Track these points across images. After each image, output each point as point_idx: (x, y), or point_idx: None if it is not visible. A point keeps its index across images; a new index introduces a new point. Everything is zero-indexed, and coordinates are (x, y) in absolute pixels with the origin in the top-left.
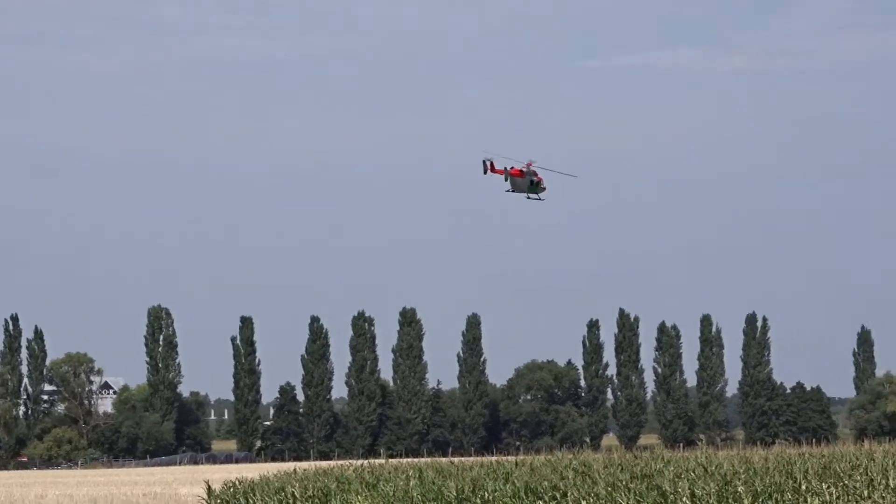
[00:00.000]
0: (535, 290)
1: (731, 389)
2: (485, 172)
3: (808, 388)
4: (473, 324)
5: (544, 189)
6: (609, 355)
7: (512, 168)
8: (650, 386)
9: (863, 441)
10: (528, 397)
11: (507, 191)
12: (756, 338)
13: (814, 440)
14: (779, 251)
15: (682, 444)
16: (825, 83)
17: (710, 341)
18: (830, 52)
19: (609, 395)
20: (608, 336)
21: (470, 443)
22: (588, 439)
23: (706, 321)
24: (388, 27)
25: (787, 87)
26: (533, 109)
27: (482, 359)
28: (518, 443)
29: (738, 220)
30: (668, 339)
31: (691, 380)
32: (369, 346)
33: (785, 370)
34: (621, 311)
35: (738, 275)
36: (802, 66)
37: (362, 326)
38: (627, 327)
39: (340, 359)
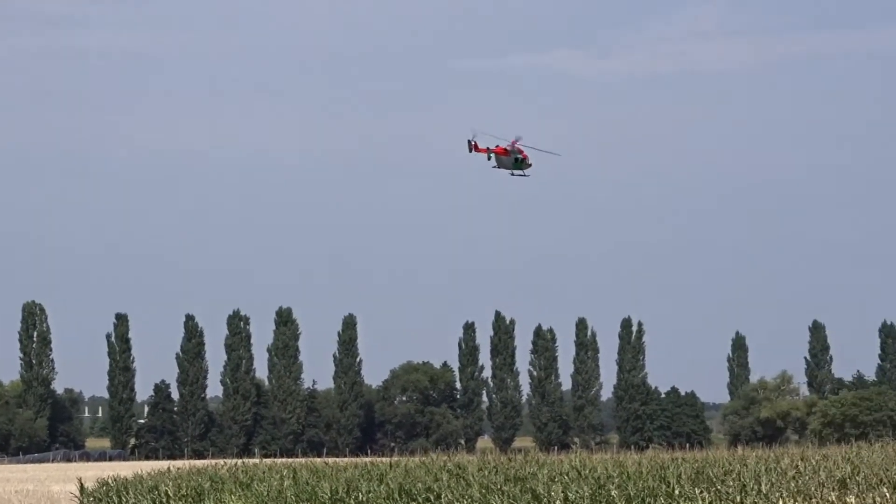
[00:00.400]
0: (412, 291)
1: (606, 393)
2: (470, 151)
3: (683, 393)
4: (349, 324)
5: (530, 165)
6: (485, 358)
7: (497, 146)
8: (525, 389)
9: (736, 446)
10: (404, 398)
11: (493, 167)
12: (631, 342)
13: (688, 445)
14: (653, 256)
15: (556, 448)
16: (703, 88)
17: (586, 345)
18: (708, 58)
19: (484, 397)
20: (484, 338)
21: (345, 443)
22: (463, 441)
23: (581, 325)
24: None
25: (665, 91)
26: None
27: (358, 359)
28: (393, 444)
29: (613, 224)
30: (543, 343)
31: (566, 383)
32: (244, 345)
33: (660, 375)
34: (497, 314)
35: (614, 279)
36: (680, 70)
37: (238, 325)
38: (503, 330)
39: (216, 357)
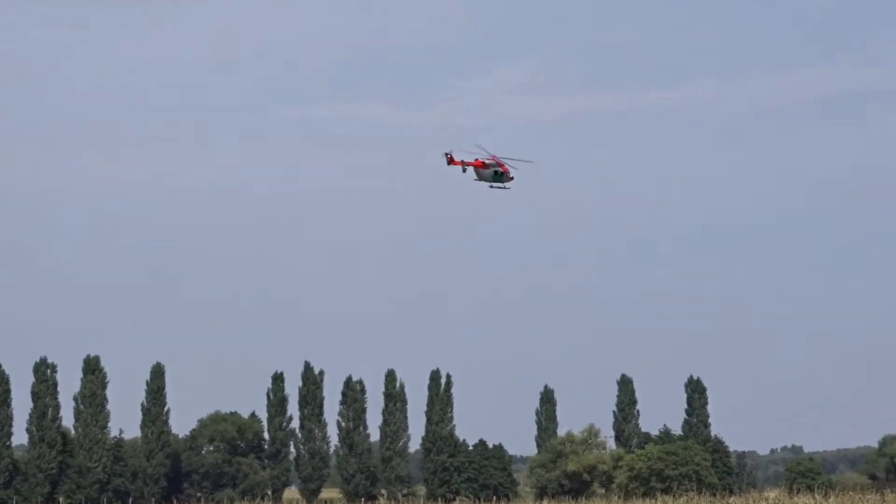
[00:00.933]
0: (220, 340)
1: (414, 445)
2: (448, 164)
3: (491, 446)
4: (157, 373)
5: (511, 179)
6: (293, 408)
7: (476, 160)
8: (334, 440)
9: (543, 500)
10: (211, 448)
11: (475, 179)
12: (440, 394)
13: (495, 498)
14: (461, 307)
15: (363, 499)
16: (516, 140)
17: (395, 397)
18: (518, 112)
19: (292, 448)
20: (293, 389)
21: (151, 493)
22: (270, 492)
23: (391, 376)
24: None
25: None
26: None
27: (166, 408)
28: (199, 494)
29: (421, 274)
30: (353, 394)
31: (375, 434)
32: (51, 392)
33: (468, 427)
34: (307, 364)
35: (423, 331)
36: (490, 124)
37: (44, 373)
38: (312, 381)
39: (21, 405)
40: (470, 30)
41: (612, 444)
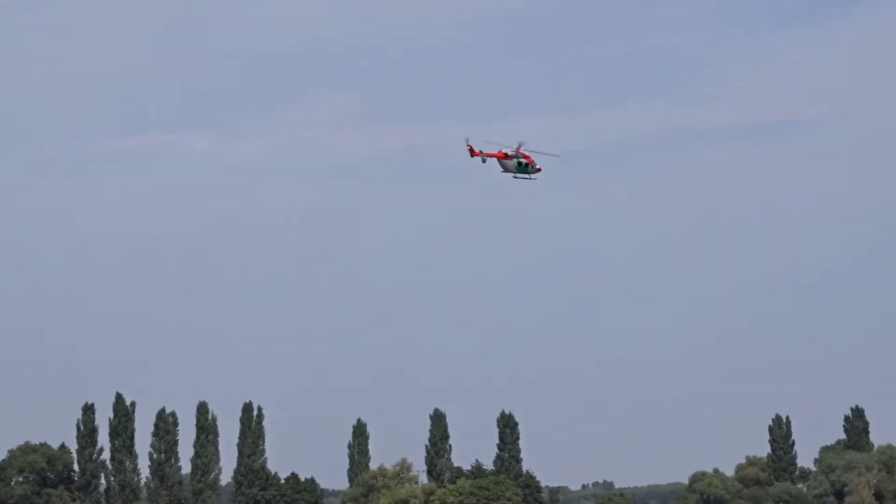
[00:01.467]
0: (30, 370)
1: (226, 478)
2: (471, 156)
3: (303, 479)
4: None
5: (539, 170)
6: (104, 439)
7: (500, 151)
8: (145, 472)
9: None
10: (21, 479)
11: (501, 172)
12: (252, 427)
13: None
14: (274, 338)
15: None
16: (333, 175)
17: (207, 429)
18: (339, 146)
19: (102, 479)
20: (103, 420)
21: None
22: None
23: (203, 409)
24: None
25: (298, 175)
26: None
27: None
28: None
29: (231, 307)
30: (164, 426)
31: (186, 467)
32: None
33: (280, 460)
34: (118, 396)
35: (235, 363)
36: (312, 156)
37: None
38: (123, 412)
39: None
40: (285, 63)
41: (424, 478)
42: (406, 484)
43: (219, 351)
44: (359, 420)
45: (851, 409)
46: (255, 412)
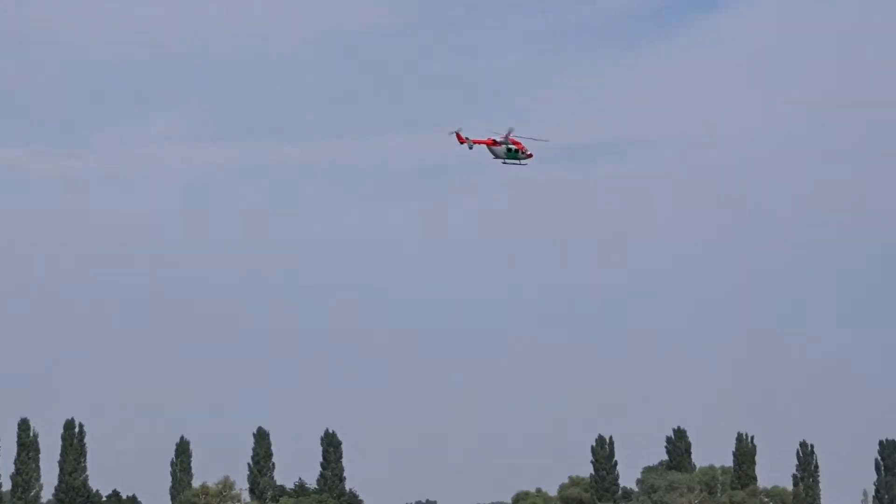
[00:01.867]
0: None
1: (47, 495)
2: (461, 143)
3: (125, 497)
4: None
5: (530, 156)
6: None
7: (489, 138)
8: None
9: None
10: None
11: (493, 158)
12: (73, 444)
13: None
14: (96, 358)
15: None
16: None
17: (28, 446)
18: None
19: None
20: None
21: None
22: None
23: (24, 425)
24: None
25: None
26: None
27: None
28: None
29: (61, 322)
30: None
31: (7, 484)
32: None
33: (102, 477)
34: None
35: (59, 379)
36: (154, 171)
37: None
38: None
39: None
40: (117, 77)
41: (246, 496)
42: (228, 502)
43: (41, 368)
44: (181, 437)
45: (674, 430)
46: (76, 429)
